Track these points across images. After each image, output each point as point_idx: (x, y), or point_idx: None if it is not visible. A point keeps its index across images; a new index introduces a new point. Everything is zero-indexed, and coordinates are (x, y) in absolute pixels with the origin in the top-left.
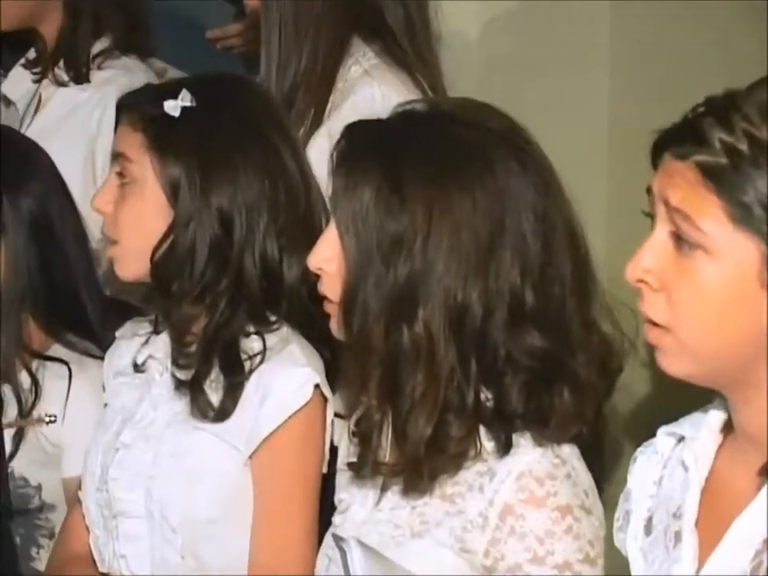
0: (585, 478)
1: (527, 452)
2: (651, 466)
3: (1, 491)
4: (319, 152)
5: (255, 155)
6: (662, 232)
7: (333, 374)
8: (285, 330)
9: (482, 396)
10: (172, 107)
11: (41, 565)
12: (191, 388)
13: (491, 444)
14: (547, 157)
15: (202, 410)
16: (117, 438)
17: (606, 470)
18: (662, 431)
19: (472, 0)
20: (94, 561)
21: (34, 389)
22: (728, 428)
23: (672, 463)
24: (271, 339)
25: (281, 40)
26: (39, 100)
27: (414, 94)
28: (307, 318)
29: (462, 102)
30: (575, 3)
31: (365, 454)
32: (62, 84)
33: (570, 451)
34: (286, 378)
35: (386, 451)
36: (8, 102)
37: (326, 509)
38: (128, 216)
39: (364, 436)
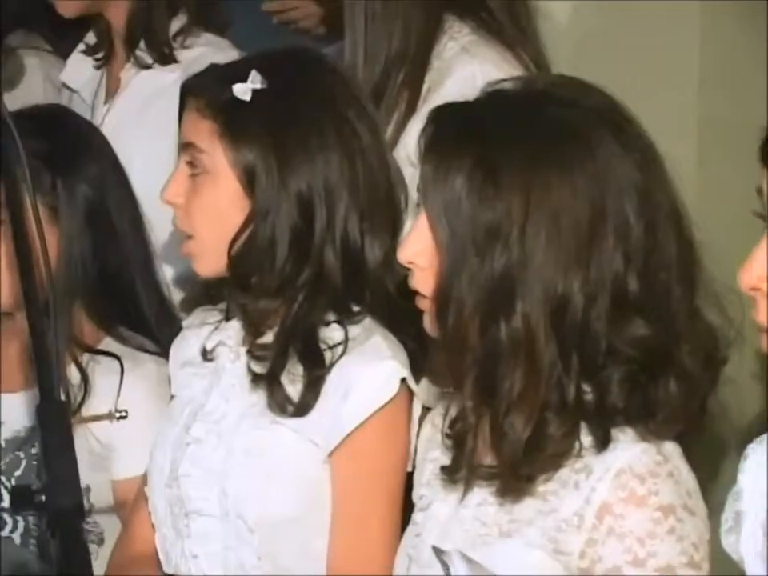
0: (688, 477)
1: (627, 448)
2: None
3: (72, 489)
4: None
5: (331, 134)
6: None
7: (418, 367)
8: (368, 320)
9: (582, 391)
10: (242, 91)
11: None
12: (268, 381)
13: (588, 439)
14: (648, 135)
15: (280, 405)
16: (187, 431)
17: (709, 469)
18: None
19: None
20: (158, 561)
21: (83, 385)
22: None
23: None
24: (353, 330)
25: (367, 22)
26: (116, 84)
27: (515, 70)
28: (391, 306)
29: (556, 80)
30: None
31: (459, 457)
32: (145, 66)
33: (672, 449)
34: (370, 371)
35: (480, 451)
36: (71, 91)
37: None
38: (202, 209)
39: (459, 438)
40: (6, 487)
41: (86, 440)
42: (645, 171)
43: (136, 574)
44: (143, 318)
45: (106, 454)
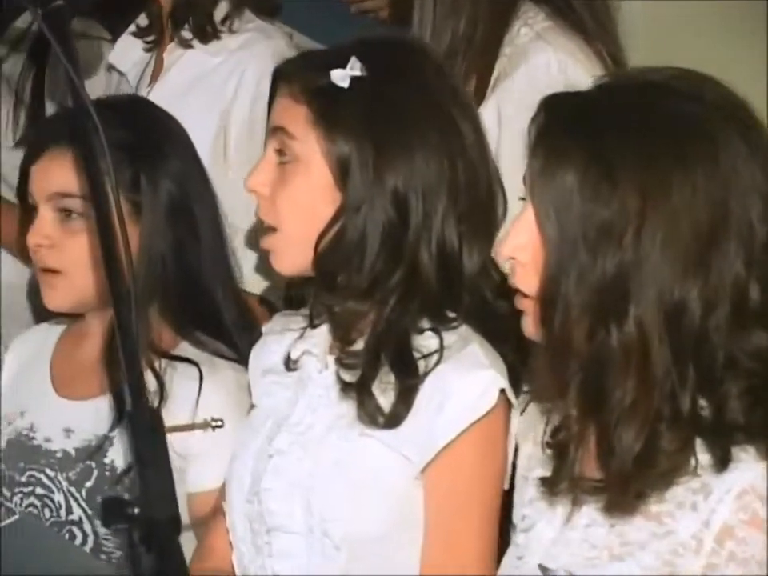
0: None
1: (750, 467)
2: None
3: (168, 500)
4: (486, 127)
5: (432, 130)
6: None
7: (517, 381)
8: (464, 328)
9: (698, 404)
10: (340, 77)
11: None
12: (358, 391)
13: (706, 457)
14: None
15: (371, 415)
16: (270, 443)
17: None
18: None
19: None
20: None
21: (159, 391)
22: None
23: None
24: (449, 337)
25: (436, 2)
26: (160, 66)
27: (593, 63)
28: (488, 315)
29: (676, 73)
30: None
31: (561, 468)
32: (187, 45)
33: None
34: (467, 381)
35: (584, 464)
36: (119, 73)
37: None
38: (289, 200)
39: (561, 449)
40: (75, 499)
41: None
42: None
43: None
44: (221, 322)
45: (183, 465)
